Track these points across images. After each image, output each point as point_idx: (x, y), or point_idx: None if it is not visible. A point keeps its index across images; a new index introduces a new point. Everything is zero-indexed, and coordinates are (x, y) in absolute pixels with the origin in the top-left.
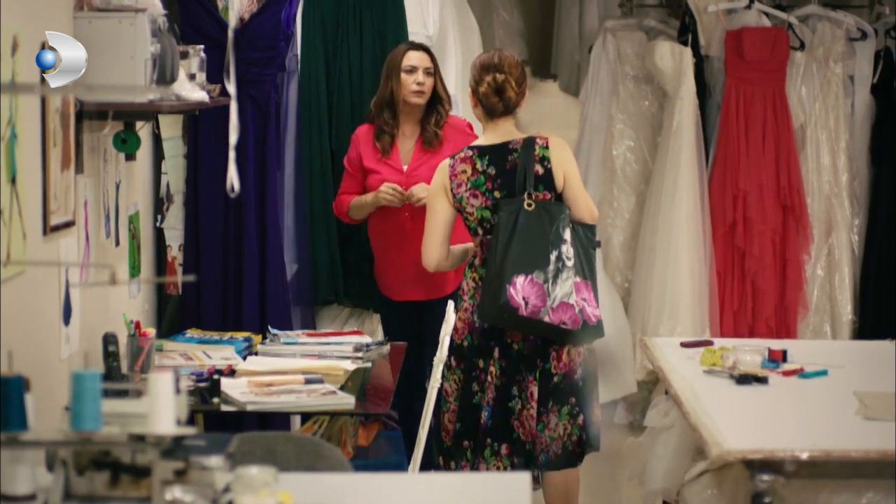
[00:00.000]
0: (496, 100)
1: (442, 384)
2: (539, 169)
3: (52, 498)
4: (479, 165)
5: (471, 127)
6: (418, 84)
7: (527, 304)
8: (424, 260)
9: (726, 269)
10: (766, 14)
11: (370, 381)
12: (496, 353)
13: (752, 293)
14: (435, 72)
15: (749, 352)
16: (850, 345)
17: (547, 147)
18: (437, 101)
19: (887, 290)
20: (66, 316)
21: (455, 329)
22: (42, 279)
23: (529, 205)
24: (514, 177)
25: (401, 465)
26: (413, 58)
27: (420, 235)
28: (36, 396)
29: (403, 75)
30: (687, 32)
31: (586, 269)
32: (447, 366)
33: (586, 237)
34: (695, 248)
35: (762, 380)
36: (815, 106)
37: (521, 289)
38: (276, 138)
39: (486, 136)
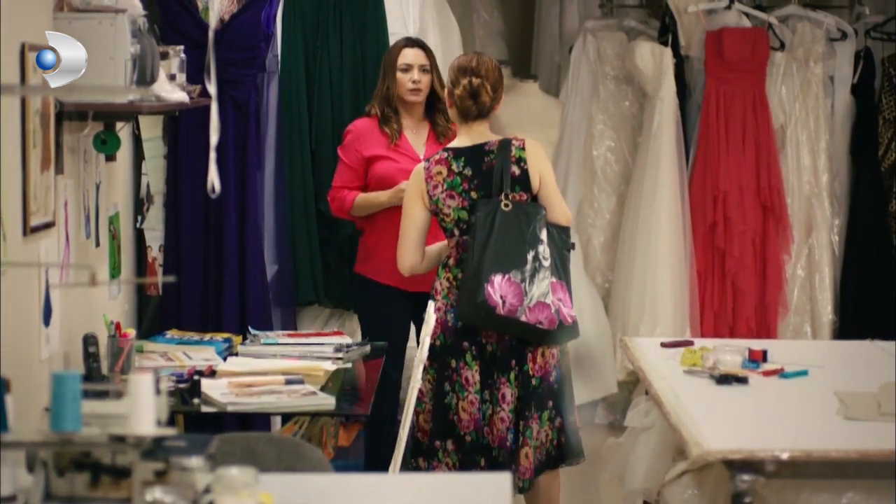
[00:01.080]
0: (470, 103)
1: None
2: (515, 170)
3: (32, 499)
4: (454, 167)
5: None
6: (414, 82)
7: (504, 302)
8: (400, 264)
9: (706, 269)
10: (747, 14)
11: (351, 381)
12: (469, 356)
13: (733, 293)
14: (432, 69)
15: (729, 352)
16: (831, 345)
17: (523, 148)
18: (436, 97)
19: (867, 290)
20: (47, 317)
21: None
22: (22, 280)
23: (506, 205)
24: (491, 178)
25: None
26: (408, 55)
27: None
28: (16, 397)
29: (399, 73)
30: (667, 33)
31: (561, 271)
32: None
33: (560, 239)
34: (675, 248)
35: (742, 380)
36: (795, 106)
37: (498, 287)
38: (257, 139)
39: (461, 138)
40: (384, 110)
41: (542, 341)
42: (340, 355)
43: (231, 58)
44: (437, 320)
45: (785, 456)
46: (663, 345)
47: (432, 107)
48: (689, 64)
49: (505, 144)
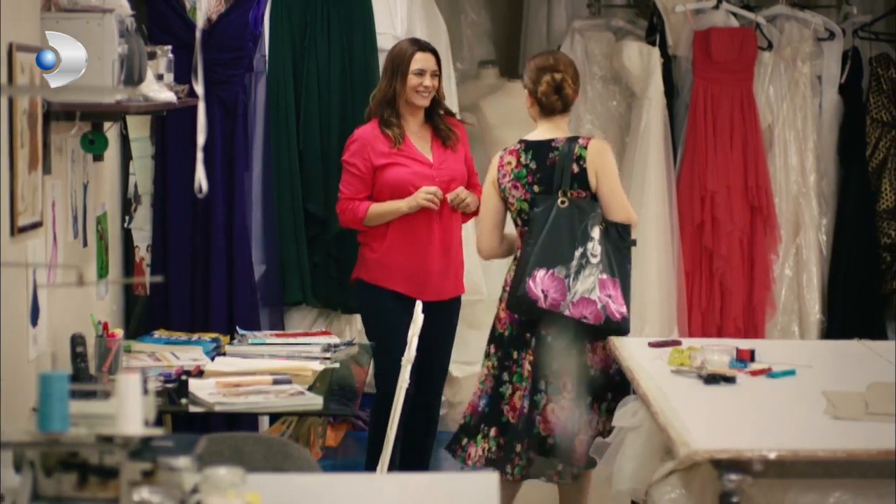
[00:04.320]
0: (555, 98)
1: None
2: (575, 167)
3: (20, 499)
4: (523, 159)
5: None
6: (425, 87)
7: (546, 296)
8: (478, 247)
9: (694, 269)
10: (734, 14)
11: (338, 381)
12: (529, 347)
13: (720, 293)
14: (440, 73)
15: (717, 351)
16: (818, 344)
17: (585, 147)
18: (437, 100)
19: (855, 290)
20: (34, 317)
21: (498, 318)
22: (10, 280)
23: (563, 202)
24: (553, 173)
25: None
26: (422, 60)
27: (446, 231)
28: (3, 397)
29: (412, 76)
30: (655, 33)
31: (615, 267)
32: (485, 351)
33: (619, 236)
34: (663, 248)
35: (730, 379)
36: (782, 106)
37: (539, 282)
38: (244, 139)
39: (538, 132)
40: (384, 113)
41: (591, 335)
42: (328, 355)
43: (219, 58)
44: (507, 311)
45: (772, 455)
46: (651, 344)
47: (431, 111)
48: (677, 64)
49: (571, 142)
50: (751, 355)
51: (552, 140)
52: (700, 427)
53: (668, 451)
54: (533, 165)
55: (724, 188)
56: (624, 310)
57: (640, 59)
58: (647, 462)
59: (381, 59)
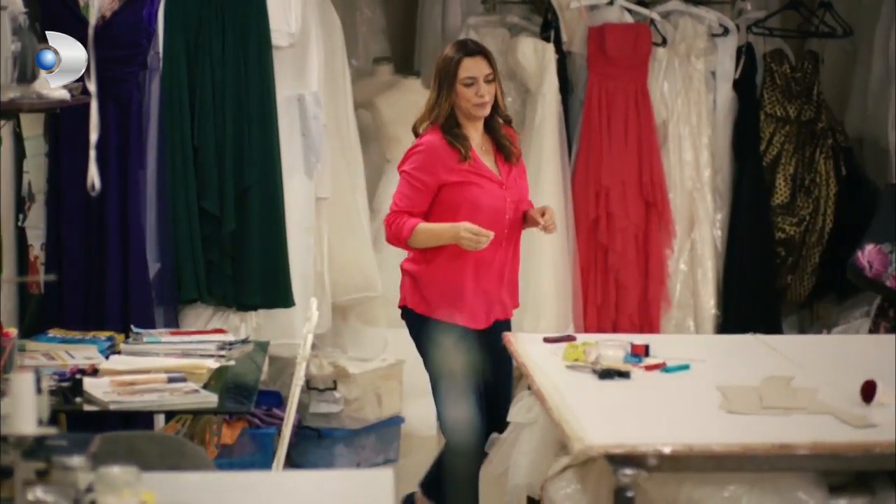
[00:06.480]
0: None
1: None
2: None
3: None
4: None
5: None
6: (480, 96)
7: (870, 267)
8: None
9: (589, 264)
10: (629, 10)
11: (233, 379)
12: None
13: (615, 288)
14: (495, 76)
15: (611, 346)
16: (713, 339)
17: None
18: (495, 107)
19: (749, 285)
20: None
21: None
22: None
23: None
24: None
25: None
26: (471, 66)
27: (507, 253)
28: None
29: (462, 88)
30: (549, 29)
31: None
32: None
33: None
34: (558, 243)
35: (624, 374)
36: (677, 101)
37: (867, 254)
38: (139, 136)
39: None
40: (444, 124)
41: None
42: (223, 353)
43: (112, 55)
44: None
45: (667, 450)
46: (546, 340)
47: (490, 119)
48: (572, 60)
49: None
50: (645, 350)
51: None
52: (595, 422)
53: (563, 446)
54: None
55: (619, 184)
56: None
57: (535, 56)
58: (542, 457)
59: (276, 57)
